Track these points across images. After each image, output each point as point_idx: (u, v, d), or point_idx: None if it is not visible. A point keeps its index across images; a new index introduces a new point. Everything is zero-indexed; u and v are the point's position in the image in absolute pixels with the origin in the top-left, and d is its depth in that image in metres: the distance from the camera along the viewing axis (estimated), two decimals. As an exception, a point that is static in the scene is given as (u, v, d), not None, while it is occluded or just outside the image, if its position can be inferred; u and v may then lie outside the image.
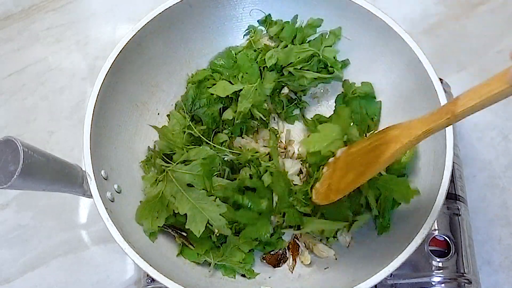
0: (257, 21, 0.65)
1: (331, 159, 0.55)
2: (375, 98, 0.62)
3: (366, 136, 0.61)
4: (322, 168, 0.56)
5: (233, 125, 0.62)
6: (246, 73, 0.63)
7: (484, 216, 0.68)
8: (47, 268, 0.67)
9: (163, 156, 0.60)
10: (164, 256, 0.54)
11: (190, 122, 0.61)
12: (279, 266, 0.58)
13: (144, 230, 0.54)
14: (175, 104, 0.65)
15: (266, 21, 0.64)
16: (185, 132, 0.61)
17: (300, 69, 0.62)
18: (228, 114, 0.62)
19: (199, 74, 0.64)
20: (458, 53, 0.79)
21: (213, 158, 0.57)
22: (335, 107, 0.65)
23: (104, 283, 0.66)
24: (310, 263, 0.58)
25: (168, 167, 0.56)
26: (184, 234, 0.57)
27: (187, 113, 0.62)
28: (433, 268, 0.56)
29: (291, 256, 0.59)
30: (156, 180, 0.57)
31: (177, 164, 0.56)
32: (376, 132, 0.54)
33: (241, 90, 0.61)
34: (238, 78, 0.63)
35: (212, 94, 0.62)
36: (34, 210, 0.70)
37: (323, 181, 0.54)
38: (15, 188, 0.41)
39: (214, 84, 0.63)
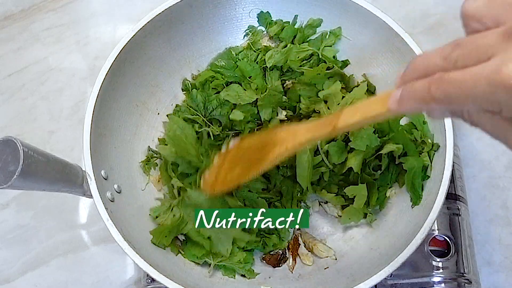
0: (256, 16, 0.65)
1: (223, 149, 0.55)
2: (374, 88, 0.63)
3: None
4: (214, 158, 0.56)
5: (247, 123, 0.62)
6: (250, 76, 0.63)
7: (484, 216, 0.68)
8: (47, 268, 0.67)
9: (172, 169, 0.59)
10: (164, 256, 0.54)
11: (209, 128, 0.61)
12: (279, 266, 0.58)
13: (155, 243, 0.55)
14: (175, 105, 0.65)
15: (266, 19, 0.64)
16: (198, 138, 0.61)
17: (300, 66, 0.62)
18: (236, 115, 0.61)
19: (201, 75, 0.64)
20: (458, 53, 0.79)
21: None
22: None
23: (104, 283, 0.66)
24: (312, 263, 0.58)
25: (184, 189, 0.56)
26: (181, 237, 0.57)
27: (202, 117, 0.62)
28: (433, 268, 0.56)
29: (291, 256, 0.59)
30: (170, 205, 0.57)
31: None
32: (268, 129, 0.55)
33: (255, 100, 0.61)
34: (242, 82, 0.63)
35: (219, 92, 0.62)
36: (34, 210, 0.70)
37: (212, 171, 0.54)
38: (15, 188, 0.41)
39: (224, 88, 0.63)
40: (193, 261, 0.56)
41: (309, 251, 0.59)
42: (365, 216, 0.58)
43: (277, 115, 0.63)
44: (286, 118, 0.63)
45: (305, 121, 0.46)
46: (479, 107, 0.25)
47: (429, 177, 0.54)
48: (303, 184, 0.57)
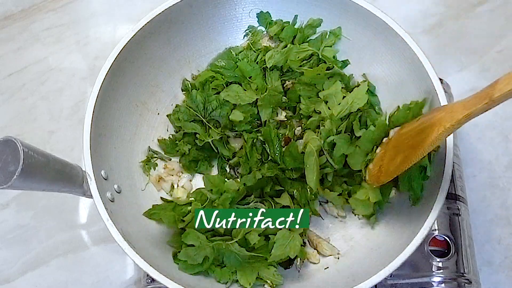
0: (256, 16, 0.65)
1: (385, 139, 0.55)
2: (374, 88, 0.63)
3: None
4: (376, 148, 0.55)
5: (248, 124, 0.62)
6: (250, 76, 0.63)
7: (484, 216, 0.68)
8: (47, 268, 0.67)
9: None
10: (164, 256, 0.54)
11: (211, 132, 0.61)
12: (289, 268, 0.58)
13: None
14: (175, 105, 0.65)
15: (266, 19, 0.64)
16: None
17: (300, 66, 0.62)
18: (236, 115, 0.61)
19: (201, 76, 0.64)
20: (458, 53, 0.79)
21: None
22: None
23: (104, 283, 0.66)
24: (319, 262, 0.58)
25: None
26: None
27: (202, 118, 0.62)
28: (433, 268, 0.56)
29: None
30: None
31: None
32: (425, 113, 0.54)
33: (255, 100, 0.61)
34: (242, 82, 0.63)
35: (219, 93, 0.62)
36: (34, 210, 0.70)
37: (375, 161, 0.54)
38: (15, 188, 0.41)
39: (224, 88, 0.62)
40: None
41: (314, 249, 0.59)
42: (369, 216, 0.58)
43: (277, 116, 0.63)
44: (286, 119, 0.63)
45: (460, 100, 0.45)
46: None
47: (428, 177, 0.54)
48: (312, 185, 0.57)
